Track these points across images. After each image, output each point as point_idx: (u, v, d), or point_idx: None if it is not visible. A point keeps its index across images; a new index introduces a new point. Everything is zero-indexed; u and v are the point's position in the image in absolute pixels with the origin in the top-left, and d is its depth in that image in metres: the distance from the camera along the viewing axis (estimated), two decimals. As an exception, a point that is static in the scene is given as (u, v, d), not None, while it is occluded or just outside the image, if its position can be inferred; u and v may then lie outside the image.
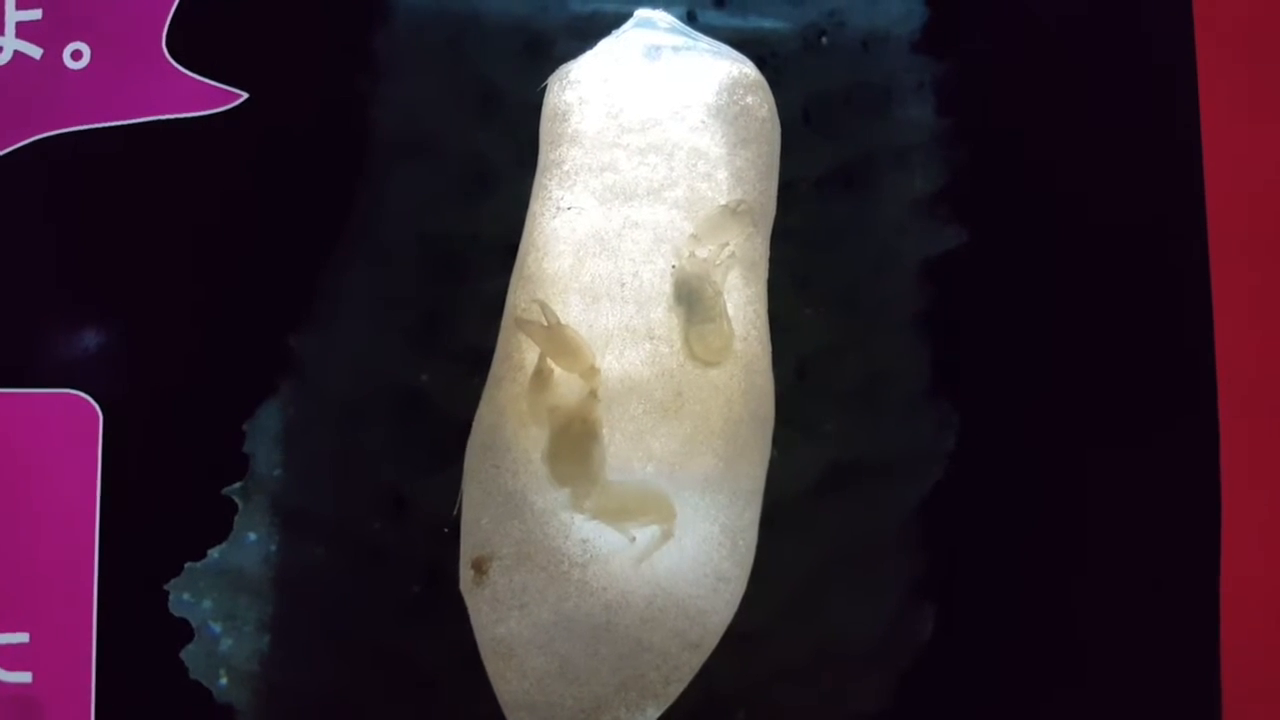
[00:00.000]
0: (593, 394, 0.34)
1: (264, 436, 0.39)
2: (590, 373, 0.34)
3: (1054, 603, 0.39)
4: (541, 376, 0.34)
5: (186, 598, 0.38)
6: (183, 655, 0.38)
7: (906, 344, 0.40)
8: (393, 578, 0.38)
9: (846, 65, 0.41)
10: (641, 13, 0.39)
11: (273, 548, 0.39)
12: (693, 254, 0.36)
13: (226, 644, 0.38)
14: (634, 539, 0.33)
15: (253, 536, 0.39)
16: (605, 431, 0.34)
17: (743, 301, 0.36)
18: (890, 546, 0.39)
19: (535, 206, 0.37)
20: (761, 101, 0.38)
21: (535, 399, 0.34)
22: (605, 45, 0.39)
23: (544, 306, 0.34)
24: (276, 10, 0.40)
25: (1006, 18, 0.41)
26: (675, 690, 0.34)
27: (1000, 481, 0.39)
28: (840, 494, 0.39)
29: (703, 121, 0.37)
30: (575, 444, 0.34)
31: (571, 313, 0.35)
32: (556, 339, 0.34)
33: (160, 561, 0.38)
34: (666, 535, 0.34)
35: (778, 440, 0.36)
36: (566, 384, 0.34)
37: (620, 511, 0.34)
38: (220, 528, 0.38)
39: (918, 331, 0.40)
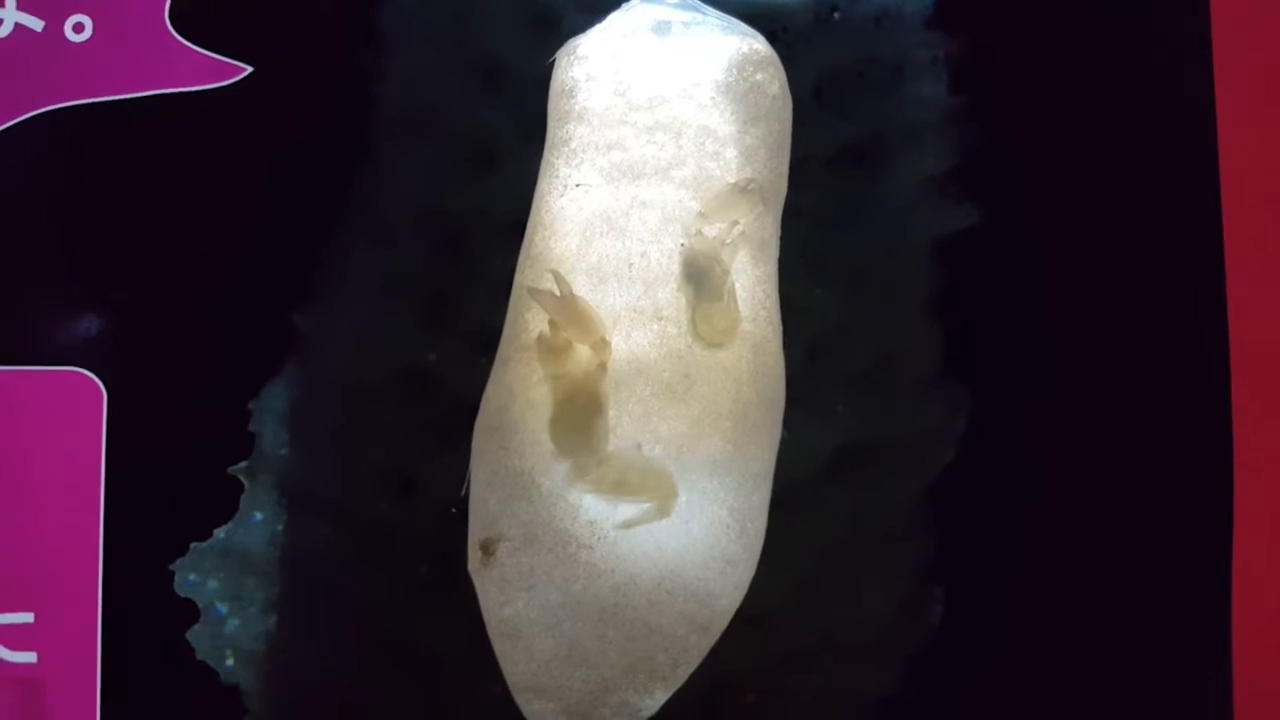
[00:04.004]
0: (601, 366, 0.34)
1: (270, 416, 0.39)
2: (601, 345, 0.34)
3: (1064, 588, 0.39)
4: (550, 344, 0.34)
5: (192, 578, 0.38)
6: (189, 636, 0.38)
7: (918, 325, 0.40)
8: (400, 558, 0.38)
9: (859, 41, 0.41)
10: (651, -14, 0.39)
11: (279, 528, 0.39)
12: (700, 232, 0.35)
13: (233, 624, 0.38)
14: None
15: (259, 516, 0.38)
16: (612, 411, 0.34)
17: (752, 282, 0.36)
18: (900, 530, 0.39)
19: (543, 185, 0.37)
20: (772, 78, 0.38)
21: (547, 367, 0.34)
22: (614, 20, 0.38)
23: (558, 276, 0.34)
24: (281, -17, 0.40)
25: (1020, -7, 0.41)
26: (684, 673, 0.34)
27: (1011, 465, 0.39)
28: (850, 477, 0.39)
29: (712, 99, 0.37)
30: (579, 416, 0.34)
31: (579, 293, 0.35)
32: (569, 309, 0.34)
33: (166, 541, 0.38)
34: (662, 511, 0.34)
35: (787, 422, 0.36)
36: (574, 355, 0.34)
37: (621, 486, 0.34)
38: (226, 507, 0.38)
39: (929, 312, 0.40)
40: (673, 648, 0.34)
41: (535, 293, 0.34)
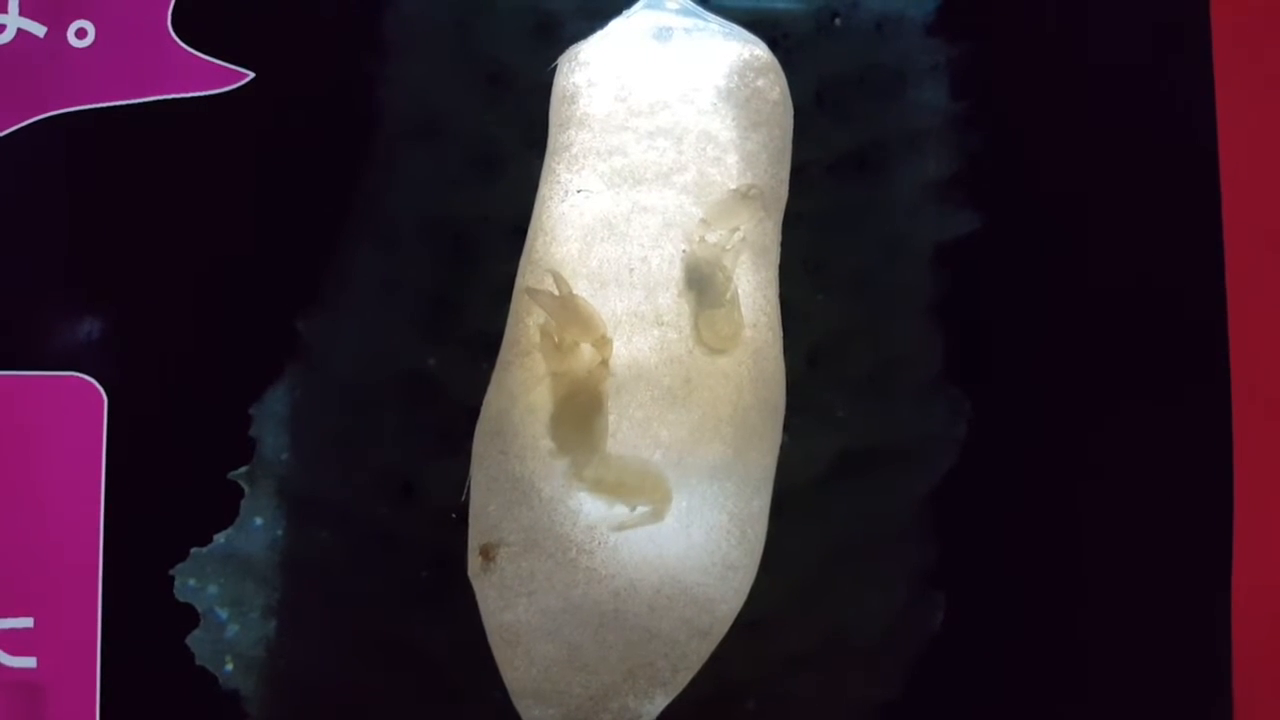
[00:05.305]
0: (603, 364, 0.34)
1: (271, 421, 0.39)
2: (602, 342, 0.34)
3: (1065, 592, 0.39)
4: (555, 342, 0.34)
5: (192, 583, 0.38)
6: (188, 641, 0.38)
7: (919, 330, 0.40)
8: (400, 563, 0.38)
9: (860, 47, 0.41)
10: (652, -8, 0.39)
11: (279, 533, 0.38)
12: (703, 239, 0.35)
13: (232, 630, 0.38)
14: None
15: (259, 521, 0.38)
16: (613, 416, 0.34)
17: (753, 287, 0.36)
18: (901, 535, 0.39)
19: (544, 190, 0.37)
20: (773, 84, 0.38)
21: (551, 364, 0.34)
22: (615, 26, 0.38)
23: (557, 277, 0.34)
24: (283, -11, 0.40)
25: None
26: (684, 678, 0.34)
27: (1012, 469, 0.39)
28: (851, 482, 0.39)
29: (713, 104, 0.37)
30: (580, 413, 0.34)
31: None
32: (569, 308, 0.34)
33: (166, 546, 0.38)
34: (656, 515, 0.33)
35: (788, 427, 0.36)
36: (577, 354, 0.34)
37: (618, 485, 0.34)
38: (226, 512, 0.38)
39: (930, 317, 0.40)
40: (673, 653, 0.34)
41: (534, 293, 0.34)
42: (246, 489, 0.38)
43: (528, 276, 0.36)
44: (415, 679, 0.38)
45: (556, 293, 0.34)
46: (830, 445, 0.39)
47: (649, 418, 0.34)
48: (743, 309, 0.35)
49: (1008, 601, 0.39)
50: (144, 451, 0.38)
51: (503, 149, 0.40)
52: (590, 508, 0.34)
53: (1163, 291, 0.40)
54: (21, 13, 0.39)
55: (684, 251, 0.35)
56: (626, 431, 0.34)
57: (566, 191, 0.36)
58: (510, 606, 0.34)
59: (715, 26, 0.38)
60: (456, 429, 0.37)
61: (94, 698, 0.37)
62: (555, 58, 0.38)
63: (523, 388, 0.35)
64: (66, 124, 0.39)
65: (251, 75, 0.39)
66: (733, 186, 0.36)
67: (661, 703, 0.34)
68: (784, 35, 0.41)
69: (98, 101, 0.39)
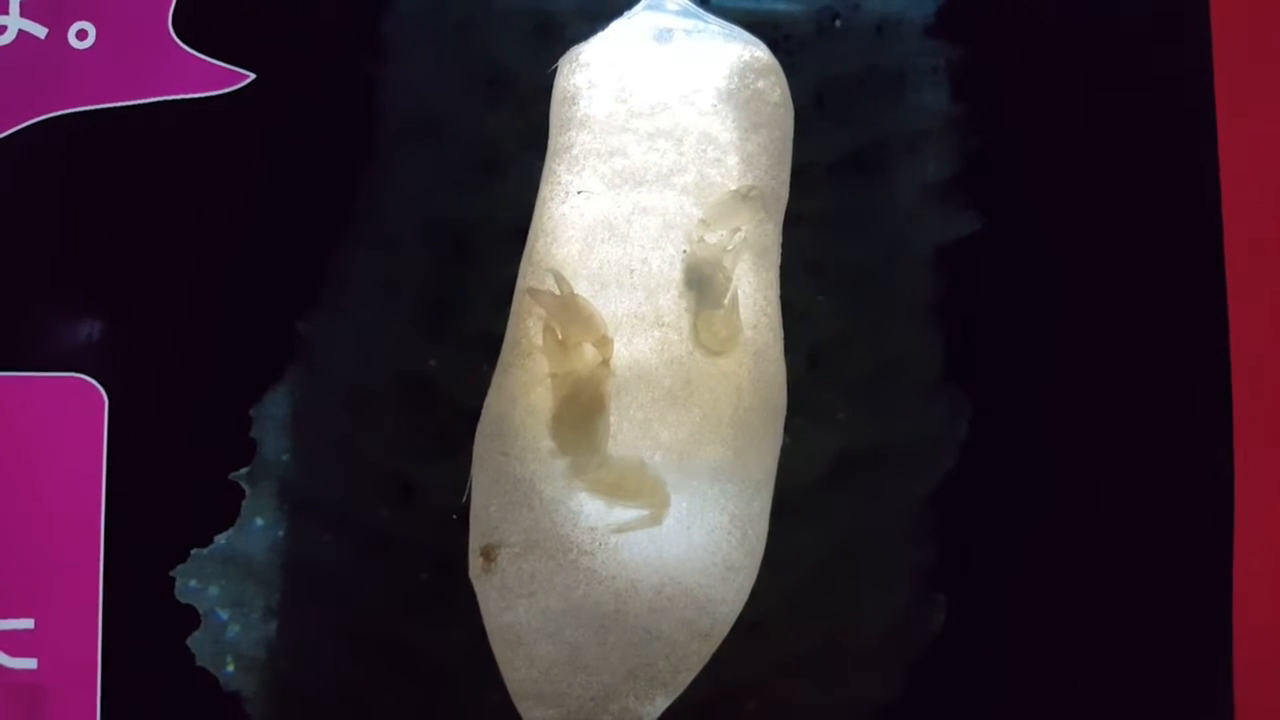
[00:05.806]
0: (605, 363, 0.34)
1: (271, 422, 0.39)
2: (604, 342, 0.34)
3: (1066, 593, 0.39)
4: (555, 342, 0.34)
5: (193, 584, 0.38)
6: (189, 642, 0.38)
7: (919, 331, 0.40)
8: (401, 565, 0.38)
9: (860, 49, 0.41)
10: (653, -6, 0.39)
11: (280, 534, 0.38)
12: (703, 240, 0.35)
13: (233, 631, 0.38)
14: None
15: (260, 523, 0.38)
16: (613, 417, 0.34)
17: (753, 289, 0.36)
18: (902, 536, 0.39)
19: (545, 191, 0.37)
20: (773, 85, 0.38)
21: (554, 365, 0.34)
22: (616, 27, 0.38)
23: (558, 276, 0.34)
24: (284, -9, 0.40)
25: (1021, 2, 0.41)
26: (685, 679, 0.34)
27: (1013, 470, 0.39)
28: (852, 483, 0.39)
29: (713, 106, 0.37)
30: (582, 413, 0.34)
31: (579, 298, 0.35)
32: (570, 308, 0.34)
33: (167, 547, 0.38)
34: (652, 519, 0.33)
35: (789, 428, 0.36)
36: (580, 354, 0.34)
37: (617, 488, 0.34)
38: (227, 514, 0.38)
39: (931, 319, 0.40)
40: (674, 654, 0.34)
41: (535, 293, 0.34)
42: (247, 490, 0.38)
43: (529, 278, 0.36)
44: (416, 680, 0.38)
45: (558, 293, 0.34)
46: (831, 446, 0.39)
47: (649, 419, 0.34)
48: (743, 310, 0.35)
49: (1008, 603, 0.39)
50: (145, 452, 0.38)
51: (503, 150, 0.40)
52: (591, 509, 0.34)
53: (1163, 291, 0.40)
54: (22, 14, 0.39)
55: (684, 253, 0.35)
56: (627, 432, 0.34)
57: (567, 193, 0.36)
58: (511, 608, 0.34)
59: (716, 28, 0.38)
60: (457, 430, 0.37)
61: (95, 699, 0.37)
62: (556, 59, 0.38)
63: (523, 389, 0.35)
64: (67, 125, 0.39)
65: (252, 76, 0.39)
66: (733, 188, 0.36)
67: (662, 704, 0.34)
68: (785, 37, 0.41)
69: (98, 102, 0.39)
